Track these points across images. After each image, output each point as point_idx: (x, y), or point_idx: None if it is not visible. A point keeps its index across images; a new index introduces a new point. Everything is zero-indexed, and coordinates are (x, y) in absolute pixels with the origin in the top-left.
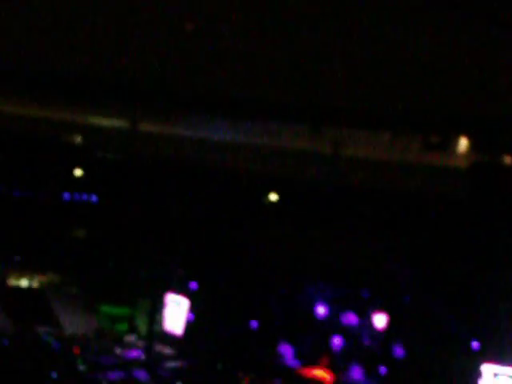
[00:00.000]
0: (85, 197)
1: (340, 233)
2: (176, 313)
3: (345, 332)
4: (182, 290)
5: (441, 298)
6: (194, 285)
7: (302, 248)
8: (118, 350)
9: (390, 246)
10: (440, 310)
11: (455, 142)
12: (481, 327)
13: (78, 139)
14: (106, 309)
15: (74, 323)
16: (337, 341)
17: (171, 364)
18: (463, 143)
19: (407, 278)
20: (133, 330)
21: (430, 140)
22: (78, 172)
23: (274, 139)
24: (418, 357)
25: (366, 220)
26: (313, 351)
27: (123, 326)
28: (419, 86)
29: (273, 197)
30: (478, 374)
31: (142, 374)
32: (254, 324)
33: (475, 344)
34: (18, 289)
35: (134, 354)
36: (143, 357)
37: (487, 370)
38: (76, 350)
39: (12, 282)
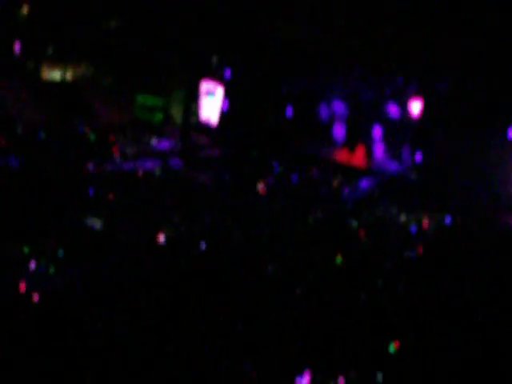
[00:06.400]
0: None
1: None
2: (211, 102)
3: (382, 119)
4: (216, 78)
5: (480, 85)
6: (228, 72)
7: (338, 35)
8: (154, 140)
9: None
10: (479, 98)
11: None
12: None
13: None
14: (141, 99)
15: (109, 114)
16: (374, 128)
17: (206, 153)
18: None
19: (445, 65)
20: (168, 119)
21: None
22: None
23: None
24: (455, 143)
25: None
26: (350, 139)
27: (159, 116)
28: None
29: None
30: None
31: (177, 163)
32: (289, 112)
33: None
34: (52, 81)
35: (169, 143)
36: (179, 146)
37: None
38: (112, 141)
39: (45, 75)
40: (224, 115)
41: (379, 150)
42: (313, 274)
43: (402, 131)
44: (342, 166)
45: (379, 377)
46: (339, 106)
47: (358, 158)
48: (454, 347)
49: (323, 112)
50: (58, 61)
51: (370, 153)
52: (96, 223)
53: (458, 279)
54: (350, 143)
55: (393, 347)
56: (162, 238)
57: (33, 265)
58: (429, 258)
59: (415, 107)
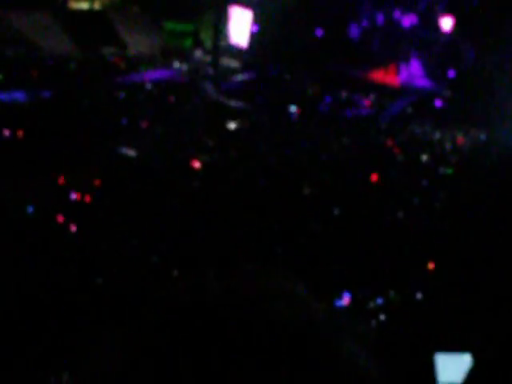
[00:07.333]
0: None
1: None
2: (240, 25)
3: (414, 37)
4: (244, 2)
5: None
6: None
7: None
8: (184, 66)
9: None
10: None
11: None
12: None
13: None
14: (170, 25)
15: (138, 42)
16: (407, 47)
17: (237, 77)
18: None
19: None
20: (198, 45)
21: None
22: None
23: None
24: (487, 59)
25: None
26: (382, 58)
27: (188, 42)
28: None
29: None
30: None
31: (208, 87)
32: (319, 33)
33: None
34: (81, 11)
35: (200, 68)
36: (210, 70)
37: None
38: (142, 69)
39: (73, 5)
40: (254, 39)
41: (412, 68)
42: (350, 194)
43: (434, 48)
44: (376, 85)
45: (418, 296)
46: (371, 26)
47: (391, 76)
48: (491, 264)
49: (354, 32)
50: None
51: (403, 71)
52: (130, 151)
53: (494, 195)
54: (383, 62)
55: (430, 266)
56: (197, 164)
57: (69, 195)
58: (464, 174)
59: (446, 24)
